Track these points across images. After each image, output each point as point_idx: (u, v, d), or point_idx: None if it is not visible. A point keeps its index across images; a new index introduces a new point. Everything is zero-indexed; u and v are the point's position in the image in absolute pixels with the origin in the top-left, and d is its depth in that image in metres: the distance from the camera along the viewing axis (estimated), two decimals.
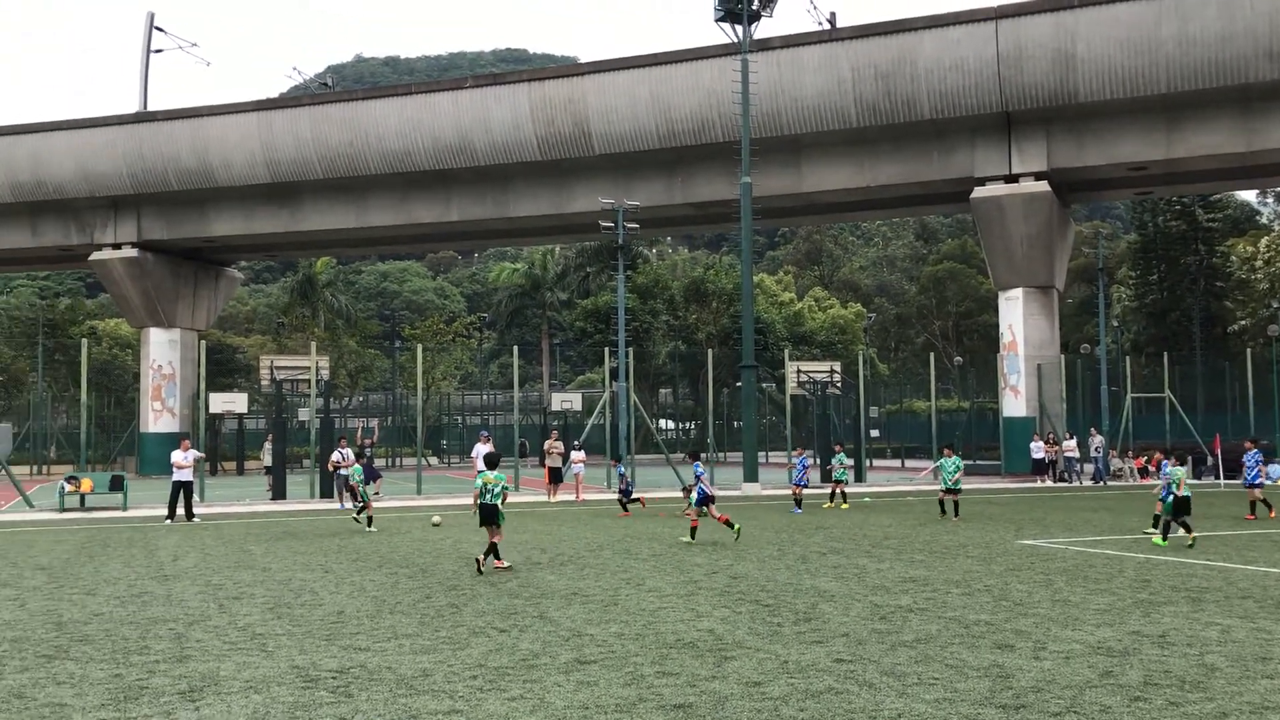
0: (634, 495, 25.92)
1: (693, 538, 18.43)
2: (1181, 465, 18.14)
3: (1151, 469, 40.16)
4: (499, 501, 14.46)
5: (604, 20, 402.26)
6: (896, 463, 56.77)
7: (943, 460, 23.62)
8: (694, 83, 43.17)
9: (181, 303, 54.95)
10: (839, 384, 42.65)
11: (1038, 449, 39.17)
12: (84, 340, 38.34)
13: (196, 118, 49.71)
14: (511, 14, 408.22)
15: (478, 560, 14.40)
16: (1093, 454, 39.37)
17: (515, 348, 40.27)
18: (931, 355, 45.51)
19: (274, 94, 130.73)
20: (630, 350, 38.38)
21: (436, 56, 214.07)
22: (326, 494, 31.60)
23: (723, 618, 10.79)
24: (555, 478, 30.75)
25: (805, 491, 26.31)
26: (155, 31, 58.30)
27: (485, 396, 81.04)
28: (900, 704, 7.32)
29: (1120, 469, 40.28)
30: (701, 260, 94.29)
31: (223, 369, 62.99)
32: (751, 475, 34.90)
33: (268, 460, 36.92)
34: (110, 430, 61.63)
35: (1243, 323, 67.81)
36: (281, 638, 10.04)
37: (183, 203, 51.49)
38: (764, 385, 68.69)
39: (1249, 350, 45.66)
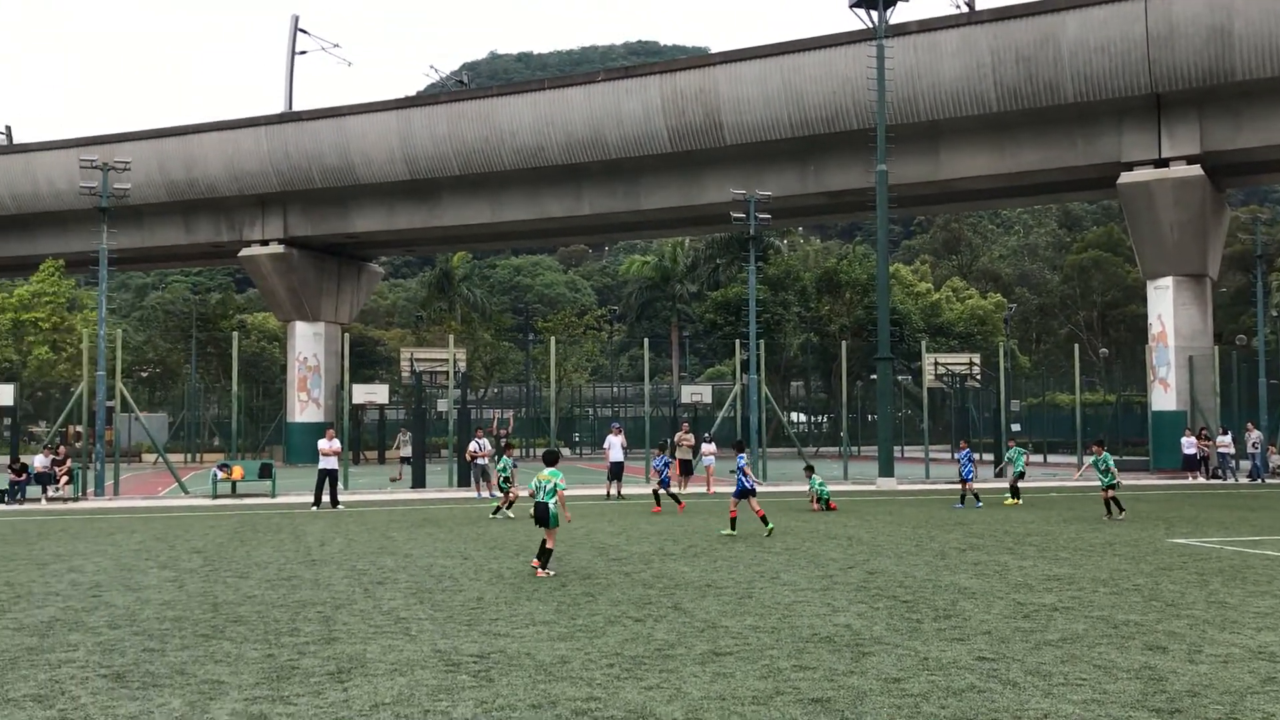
0: (672, 491, 24.43)
1: (733, 529, 18.45)
2: None
3: None
4: (551, 500, 13.31)
5: (735, 10, 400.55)
6: (1038, 458, 55.10)
7: (1094, 458, 22.44)
8: (827, 70, 42.61)
9: (325, 297, 56.84)
10: (978, 376, 41.61)
11: (1189, 444, 37.54)
12: (234, 334, 40.05)
13: (339, 117, 51.29)
14: (642, 6, 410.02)
15: (534, 565, 13.50)
16: (1249, 450, 37.52)
17: (645, 340, 40.42)
18: (1075, 347, 44.06)
19: (412, 92, 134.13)
20: (761, 342, 38.12)
21: (568, 51, 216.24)
22: (464, 483, 32.29)
23: (859, 613, 10.64)
24: (685, 470, 30.79)
25: (974, 486, 25.28)
26: (299, 34, 60.37)
27: (616, 389, 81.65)
28: (1046, 704, 7.10)
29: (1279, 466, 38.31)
30: (834, 250, 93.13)
31: (364, 361, 64.93)
32: (887, 470, 34.34)
33: (404, 451, 37.95)
34: (259, 420, 64.15)
35: None
36: (424, 622, 10.30)
37: (326, 200, 53.23)
38: (899, 378, 67.51)
39: None
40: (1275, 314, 65.79)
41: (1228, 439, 37.52)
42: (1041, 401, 67.08)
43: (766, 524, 18.28)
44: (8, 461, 31.11)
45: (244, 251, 55.27)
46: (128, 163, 34.68)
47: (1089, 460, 23.31)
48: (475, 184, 50.60)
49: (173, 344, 74.69)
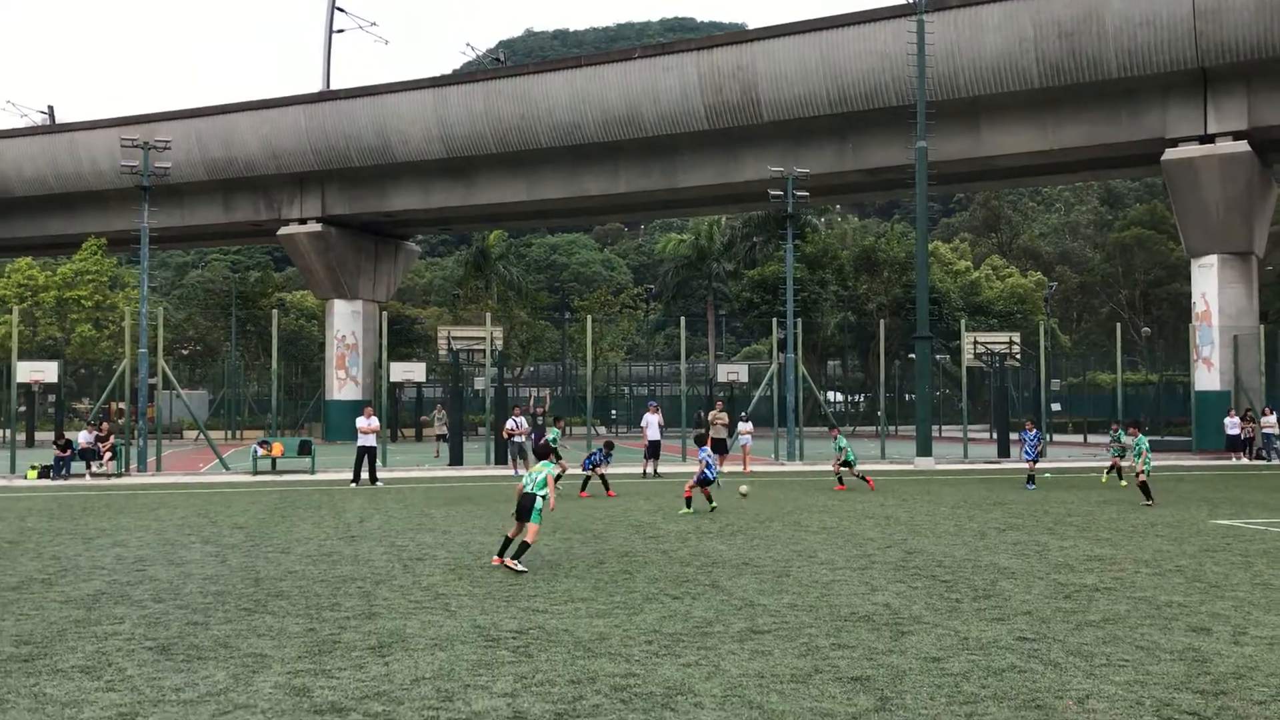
0: (599, 473, 22.81)
1: (689, 507, 18.72)
2: None
3: None
4: (541, 492, 12.19)
5: None
6: (1079, 437, 54.60)
7: (1138, 440, 21.87)
8: (866, 46, 42.18)
9: (363, 275, 57.16)
10: (1018, 356, 41.20)
11: (1233, 425, 37.00)
12: (274, 311, 40.37)
13: (376, 95, 51.41)
14: None
15: (506, 563, 12.21)
16: None
17: (682, 319, 40.36)
18: (1117, 326, 43.51)
19: (448, 70, 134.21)
20: (798, 321, 37.95)
21: (604, 28, 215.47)
22: (501, 460, 32.44)
23: (898, 592, 10.60)
24: (719, 449, 30.73)
25: (1037, 466, 25.09)
26: (337, 12, 60.52)
27: (651, 367, 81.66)
28: (1088, 684, 7.04)
29: None
30: (872, 228, 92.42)
31: (402, 339, 65.21)
32: (925, 450, 34.12)
33: (440, 429, 38.15)
34: (297, 397, 64.70)
35: None
36: (463, 598, 10.36)
37: (363, 178, 53.44)
38: (938, 357, 67.00)
39: None
40: None
41: (1273, 419, 36.95)
42: (1082, 381, 66.39)
43: (711, 502, 18.74)
44: (53, 438, 31.58)
45: (282, 230, 55.64)
46: (168, 142, 34.97)
47: (1130, 442, 22.56)
48: (511, 162, 50.62)
49: (213, 322, 75.41)
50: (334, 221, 55.09)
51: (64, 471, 29.11)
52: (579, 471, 23.35)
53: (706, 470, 18.92)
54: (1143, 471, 20.28)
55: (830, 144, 45.24)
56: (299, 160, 52.87)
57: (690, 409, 40.71)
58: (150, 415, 34.05)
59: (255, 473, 30.27)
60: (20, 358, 33.88)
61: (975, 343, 39.32)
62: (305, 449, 31.91)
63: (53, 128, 60.55)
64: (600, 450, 23.14)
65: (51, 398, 49.23)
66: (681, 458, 34.68)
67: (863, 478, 24.02)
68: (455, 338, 35.93)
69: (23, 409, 47.32)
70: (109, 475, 29.68)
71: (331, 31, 59.90)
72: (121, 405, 39.35)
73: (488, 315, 38.59)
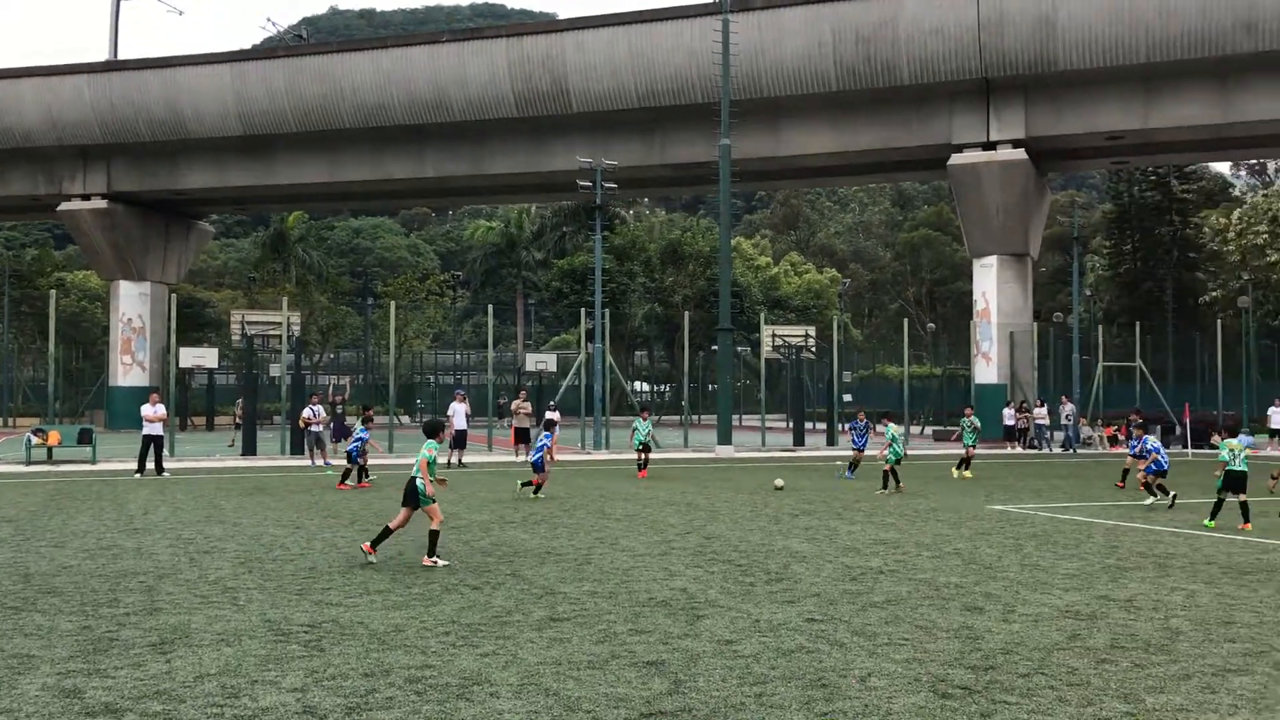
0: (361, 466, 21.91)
1: (536, 493, 19.34)
2: (1235, 436, 15.86)
3: (1122, 437, 40.65)
4: (419, 476, 11.48)
5: None
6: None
7: (964, 420, 24.62)
8: (675, 42, 42.83)
9: (152, 255, 54.30)
10: (813, 348, 42.76)
11: (1009, 416, 39.47)
12: (52, 292, 37.89)
13: (168, 68, 48.89)
14: None
15: (424, 563, 11.54)
16: (1063, 422, 39.68)
17: (489, 307, 40.08)
18: (905, 321, 45.64)
19: (247, 45, 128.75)
20: (606, 311, 38.28)
21: (412, 10, 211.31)
22: (297, 450, 31.46)
23: (696, 577, 10.83)
24: (523, 438, 30.72)
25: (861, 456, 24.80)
26: None
27: (458, 356, 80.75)
28: (871, 663, 7.38)
29: (1090, 437, 40.66)
30: (679, 222, 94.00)
31: (193, 323, 62.41)
32: (725, 438, 35.01)
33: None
34: (79, 384, 61.03)
35: (1214, 294, 68.39)
36: (253, 591, 10.00)
37: (154, 154, 50.75)
38: (739, 349, 68.79)
39: (1219, 321, 46.05)
40: (1089, 293, 69.51)
41: (1044, 411, 39.65)
42: (872, 373, 69.47)
43: (536, 492, 19.41)
44: None
45: (64, 206, 52.26)
46: None
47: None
48: (313, 142, 49.06)
49: None
50: (121, 198, 52.11)
51: None
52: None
53: (538, 459, 19.62)
54: (887, 460, 20.81)
55: (639, 137, 45.73)
56: (83, 132, 49.77)
57: (499, 398, 40.46)
58: None
59: (29, 463, 28.39)
60: None
61: (774, 336, 40.56)
62: (85, 437, 30.13)
63: None
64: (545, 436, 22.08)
65: None
66: (487, 447, 34.46)
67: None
68: (250, 322, 34.60)
69: None
70: None
71: None
72: None
73: (284, 300, 37.30)
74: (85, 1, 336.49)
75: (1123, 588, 10.38)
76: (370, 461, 22.76)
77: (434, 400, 67.78)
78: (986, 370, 43.35)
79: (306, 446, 29.39)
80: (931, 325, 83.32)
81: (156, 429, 24.50)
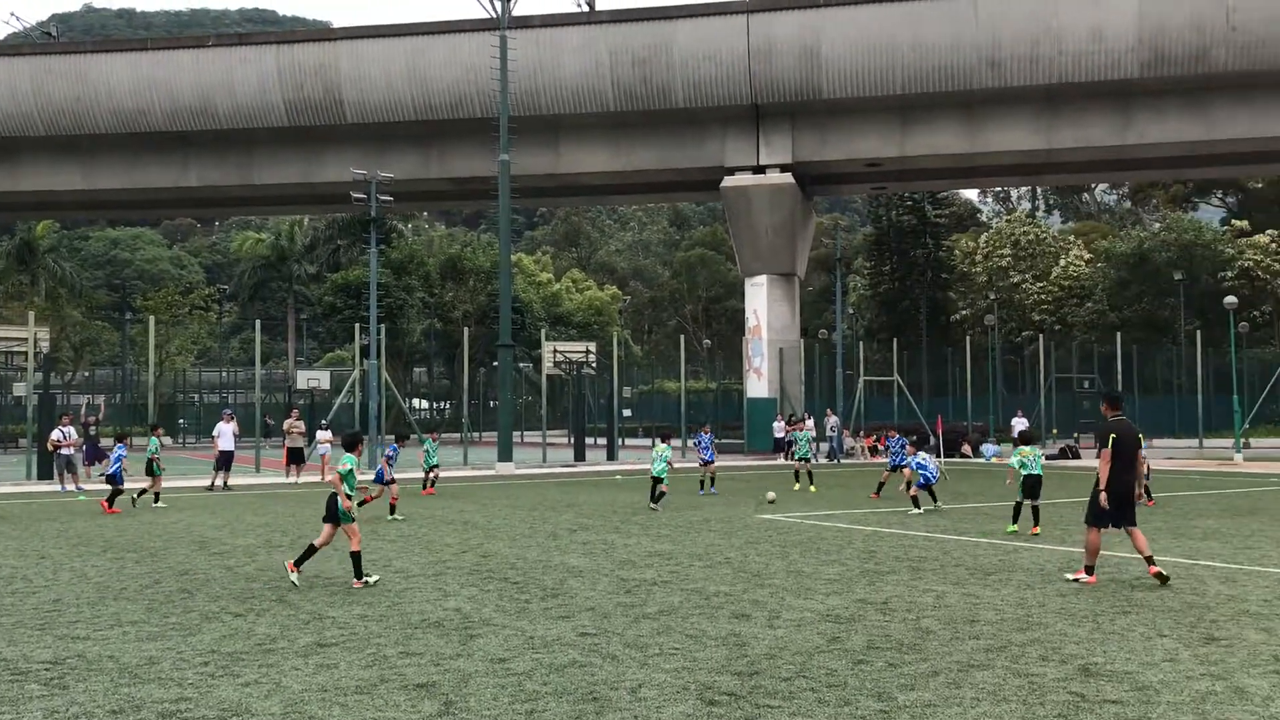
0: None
1: (394, 513, 18.92)
2: (1028, 444, 16.78)
3: (881, 447, 42.84)
4: (348, 493, 11.38)
5: None
6: (647, 442, 58.01)
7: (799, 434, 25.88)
8: (452, 56, 42.52)
9: None
10: (594, 365, 43.18)
11: (779, 428, 40.95)
12: None
13: None
14: None
15: (355, 584, 11.35)
16: (828, 433, 41.49)
17: (258, 322, 38.54)
18: (682, 338, 46.76)
19: None
20: (382, 327, 37.46)
21: (176, 11, 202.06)
22: (45, 475, 29.31)
23: (470, 596, 10.73)
24: (296, 458, 29.70)
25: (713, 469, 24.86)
26: None
27: (225, 374, 77.28)
28: (641, 674, 7.49)
29: (853, 448, 42.66)
30: (459, 237, 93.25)
31: None
32: (506, 455, 34.86)
33: None
34: None
35: (964, 312, 73.19)
36: None
37: None
38: (520, 365, 68.71)
39: (968, 338, 49.30)
40: (851, 311, 73.11)
41: (810, 423, 41.31)
42: (652, 389, 70.73)
43: (389, 509, 19.00)
44: None
45: None
46: None
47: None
48: (64, 146, 46.02)
49: None
50: None
51: None
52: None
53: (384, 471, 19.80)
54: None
55: (416, 150, 45.13)
56: None
57: (279, 418, 38.90)
58: None
59: None
60: None
61: (555, 352, 40.72)
62: None
63: None
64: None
65: None
66: (255, 469, 33.11)
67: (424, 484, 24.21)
68: None
69: None
70: None
71: None
72: None
73: (31, 314, 34.75)
74: None
75: (879, 591, 10.93)
76: (126, 484, 21.45)
77: (199, 421, 64.59)
78: (758, 385, 44.87)
79: (56, 470, 27.40)
80: (708, 342, 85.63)
81: None
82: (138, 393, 63.37)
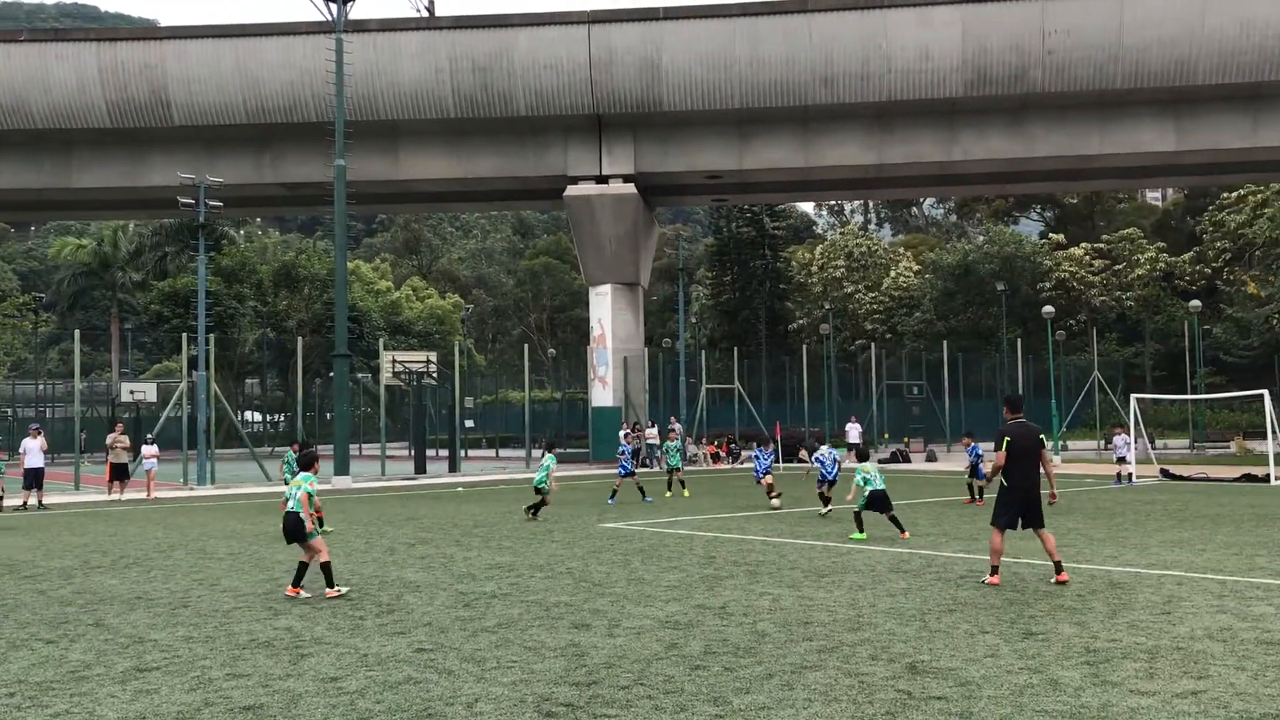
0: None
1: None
2: (865, 459, 16.73)
3: (723, 454, 43.56)
4: (300, 510, 11.43)
5: None
6: (491, 452, 57.58)
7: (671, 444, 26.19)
8: (285, 58, 41.36)
9: None
10: (435, 374, 42.55)
11: (624, 437, 41.09)
12: None
13: None
14: None
15: (328, 594, 11.37)
16: (647, 442, 41.83)
17: (77, 332, 36.64)
18: (526, 347, 46.50)
19: None
20: (212, 337, 36.10)
21: None
22: None
23: (302, 614, 10.40)
24: (120, 474, 28.33)
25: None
26: None
27: (42, 386, 73.21)
28: (478, 688, 7.38)
29: (695, 455, 43.19)
30: (294, 244, 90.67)
31: None
32: (343, 468, 34.04)
33: None
34: None
35: (801, 321, 75.09)
36: None
37: None
38: (358, 375, 67.23)
39: (805, 346, 50.57)
40: (694, 320, 74.14)
41: (654, 431, 41.68)
42: (495, 398, 70.19)
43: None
44: None
45: None
46: None
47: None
48: None
49: None
50: None
51: None
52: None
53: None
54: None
55: (248, 154, 43.72)
56: None
57: (102, 432, 36.96)
58: None
59: None
60: None
61: (395, 361, 39.99)
62: None
63: None
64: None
65: None
66: (74, 486, 31.44)
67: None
68: None
69: None
70: None
71: None
72: None
73: None
74: None
75: (717, 596, 11.06)
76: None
77: (11, 436, 60.94)
78: (603, 394, 45.03)
79: None
80: (553, 351, 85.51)
81: None
82: None
